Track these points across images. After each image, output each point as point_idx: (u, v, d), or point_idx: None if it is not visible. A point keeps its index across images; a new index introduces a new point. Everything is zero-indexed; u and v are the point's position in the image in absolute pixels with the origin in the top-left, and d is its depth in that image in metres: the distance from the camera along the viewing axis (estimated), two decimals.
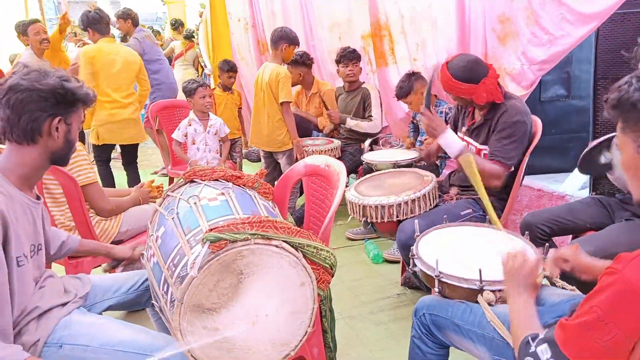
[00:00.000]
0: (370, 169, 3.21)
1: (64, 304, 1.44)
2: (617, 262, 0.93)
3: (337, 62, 3.86)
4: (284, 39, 3.54)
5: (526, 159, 2.32)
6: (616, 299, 0.90)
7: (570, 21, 2.33)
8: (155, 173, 5.62)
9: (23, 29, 4.47)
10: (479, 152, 2.39)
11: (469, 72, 2.23)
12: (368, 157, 3.28)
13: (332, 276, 1.52)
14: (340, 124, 3.95)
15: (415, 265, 1.66)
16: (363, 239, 3.48)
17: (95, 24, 3.86)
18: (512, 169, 2.28)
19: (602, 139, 1.85)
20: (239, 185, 1.73)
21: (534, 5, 2.43)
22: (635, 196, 1.07)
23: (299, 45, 3.71)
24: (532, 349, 1.07)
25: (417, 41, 3.33)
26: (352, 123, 3.84)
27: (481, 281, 1.46)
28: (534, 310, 1.25)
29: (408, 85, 3.17)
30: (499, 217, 2.45)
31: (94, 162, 4.04)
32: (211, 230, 1.27)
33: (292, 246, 1.34)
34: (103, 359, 1.33)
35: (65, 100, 1.37)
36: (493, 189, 2.22)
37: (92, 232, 2.19)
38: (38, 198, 1.45)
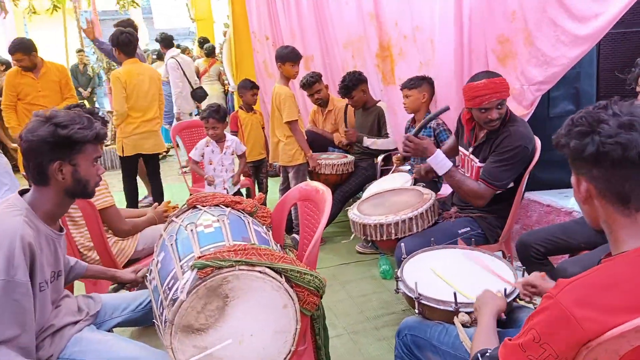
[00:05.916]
0: None
1: (75, 322, 1.60)
2: (555, 287, 1.00)
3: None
4: (283, 57, 3.71)
5: (526, 177, 2.36)
6: (550, 322, 0.97)
7: (565, 42, 2.37)
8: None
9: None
10: (479, 170, 2.45)
11: (492, 71, 2.33)
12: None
13: (320, 298, 1.62)
14: (357, 142, 4.04)
15: (399, 287, 1.75)
16: (372, 253, 3.57)
17: (124, 46, 4.04)
18: (498, 191, 2.32)
19: None
20: (238, 210, 1.87)
21: (530, 27, 2.47)
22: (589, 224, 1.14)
23: (297, 62, 3.79)
24: None
25: (421, 60, 3.40)
26: (369, 142, 3.92)
27: (456, 303, 1.54)
28: (491, 329, 1.33)
29: (417, 83, 3.25)
30: (499, 236, 2.51)
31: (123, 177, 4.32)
32: (200, 257, 1.41)
33: (275, 271, 1.46)
34: None
35: (62, 146, 1.46)
36: (476, 207, 2.33)
37: (109, 252, 2.37)
38: (61, 230, 1.61)
